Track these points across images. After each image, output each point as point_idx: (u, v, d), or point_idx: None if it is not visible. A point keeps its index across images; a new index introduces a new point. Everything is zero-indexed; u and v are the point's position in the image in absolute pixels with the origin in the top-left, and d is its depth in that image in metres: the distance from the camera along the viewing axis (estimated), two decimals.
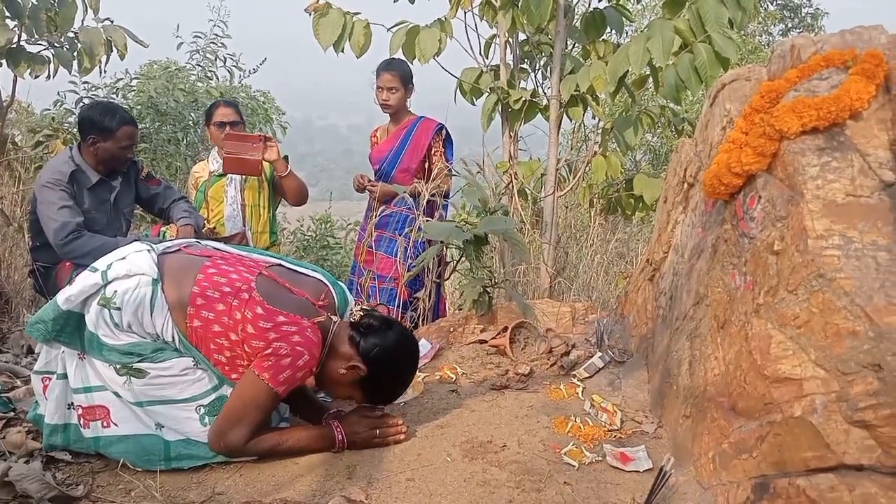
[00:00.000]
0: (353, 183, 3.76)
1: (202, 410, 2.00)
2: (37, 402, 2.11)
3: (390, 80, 3.57)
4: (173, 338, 1.98)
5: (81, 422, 1.99)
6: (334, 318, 2.12)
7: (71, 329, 1.98)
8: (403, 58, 3.78)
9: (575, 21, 4.16)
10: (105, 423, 1.98)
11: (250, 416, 1.94)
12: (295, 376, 1.94)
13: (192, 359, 1.99)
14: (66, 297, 1.96)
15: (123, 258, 2.03)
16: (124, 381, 1.94)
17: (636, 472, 1.95)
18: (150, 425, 1.98)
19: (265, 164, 3.50)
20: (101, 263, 2.01)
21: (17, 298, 3.70)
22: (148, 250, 2.06)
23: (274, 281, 2.08)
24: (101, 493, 1.86)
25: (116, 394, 1.97)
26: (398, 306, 3.32)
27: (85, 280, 1.98)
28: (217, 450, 1.96)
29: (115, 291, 1.95)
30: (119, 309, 1.94)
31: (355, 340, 2.05)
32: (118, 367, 1.94)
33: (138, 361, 1.94)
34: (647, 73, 3.74)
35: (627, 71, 3.54)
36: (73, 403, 2.01)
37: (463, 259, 3.26)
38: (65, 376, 2.01)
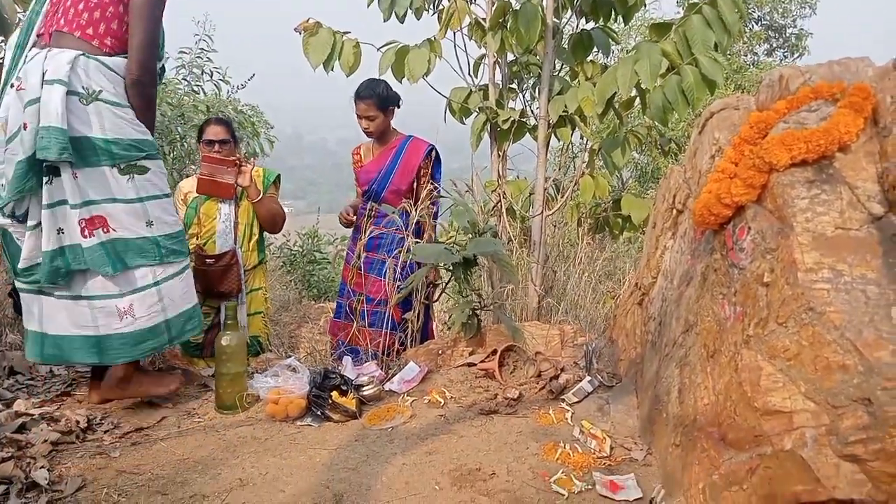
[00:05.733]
0: (339, 220, 3.81)
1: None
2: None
3: (366, 109, 3.51)
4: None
5: (85, 233, 2.17)
6: None
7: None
8: (384, 77, 3.73)
9: (563, 42, 4.18)
10: (105, 230, 2.20)
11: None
12: None
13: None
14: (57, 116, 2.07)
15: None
16: (127, 179, 2.16)
17: (626, 500, 1.95)
18: (142, 224, 2.25)
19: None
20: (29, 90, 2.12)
21: None
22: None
23: None
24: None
25: (114, 200, 2.15)
26: (390, 328, 3.29)
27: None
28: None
29: (66, 75, 2.09)
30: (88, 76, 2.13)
31: None
32: (122, 166, 2.14)
33: (143, 158, 2.18)
34: (635, 94, 3.76)
35: (615, 92, 3.56)
36: (61, 229, 2.15)
37: (451, 280, 3.24)
38: (37, 226, 2.14)
